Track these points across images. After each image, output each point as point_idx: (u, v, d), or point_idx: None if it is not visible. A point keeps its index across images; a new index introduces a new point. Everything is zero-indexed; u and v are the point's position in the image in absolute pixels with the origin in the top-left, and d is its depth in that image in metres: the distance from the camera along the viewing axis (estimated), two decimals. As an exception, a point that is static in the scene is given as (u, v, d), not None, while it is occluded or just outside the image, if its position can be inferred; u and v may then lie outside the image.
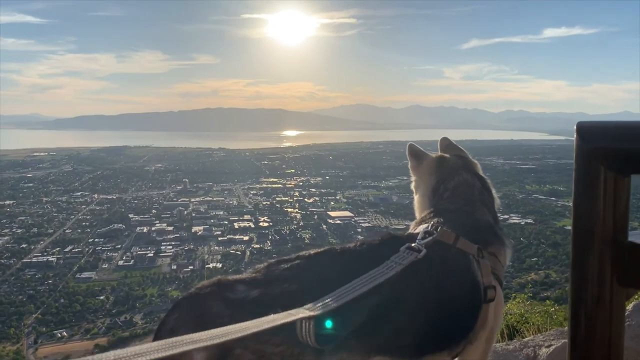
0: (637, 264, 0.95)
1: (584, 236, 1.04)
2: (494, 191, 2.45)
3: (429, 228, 1.84)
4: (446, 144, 2.61)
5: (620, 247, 0.96)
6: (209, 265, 50.32)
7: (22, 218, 63.92)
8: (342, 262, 1.64)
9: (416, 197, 2.46)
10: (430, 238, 1.75)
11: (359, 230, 59.96)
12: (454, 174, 2.31)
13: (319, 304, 1.28)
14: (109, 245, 56.06)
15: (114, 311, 41.34)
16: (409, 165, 2.55)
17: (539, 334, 3.89)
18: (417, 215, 2.33)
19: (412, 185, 2.54)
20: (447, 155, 2.47)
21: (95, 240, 57.49)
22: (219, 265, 50.31)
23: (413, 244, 1.68)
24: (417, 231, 1.89)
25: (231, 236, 58.96)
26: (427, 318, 1.61)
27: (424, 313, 1.61)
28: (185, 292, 1.55)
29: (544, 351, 3.37)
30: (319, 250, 1.72)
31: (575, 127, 1.11)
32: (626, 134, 1.00)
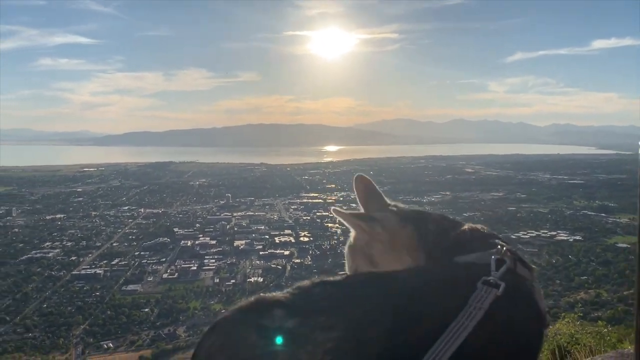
0: None
1: None
2: None
3: (500, 254, 1.58)
4: (362, 187, 2.10)
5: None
6: (250, 279, 50.64)
7: (72, 231, 66.14)
8: (394, 295, 1.40)
9: (382, 266, 1.87)
10: (505, 266, 1.51)
11: (400, 245, 59.28)
12: (423, 212, 1.94)
13: None
14: (154, 258, 57.18)
15: (158, 323, 41.97)
16: (373, 232, 1.93)
17: (597, 356, 3.71)
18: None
19: (368, 254, 1.95)
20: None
21: (141, 253, 58.76)
22: (260, 279, 50.58)
23: (490, 278, 1.43)
24: (468, 260, 1.63)
25: (272, 250, 59.26)
26: (500, 355, 1.39)
27: (498, 351, 1.40)
28: (225, 310, 1.44)
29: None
30: (369, 275, 1.53)
31: None
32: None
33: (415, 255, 1.78)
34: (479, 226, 1.85)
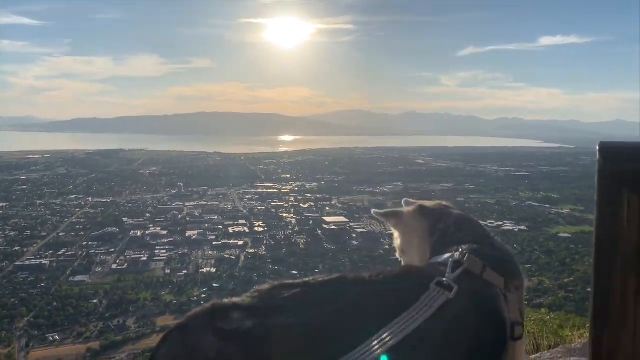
0: None
1: (606, 258, 1.02)
2: None
3: (457, 256, 1.62)
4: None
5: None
6: (202, 270, 50.15)
7: (16, 220, 63.57)
8: (353, 295, 1.41)
9: (408, 255, 2.09)
10: (461, 269, 1.55)
11: (354, 235, 59.99)
12: (447, 212, 2.06)
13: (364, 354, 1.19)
14: (102, 248, 55.77)
15: (107, 315, 41.04)
16: (391, 224, 2.16)
17: (545, 352, 3.89)
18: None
19: (398, 246, 2.16)
20: (425, 203, 2.17)
21: (89, 243, 57.17)
22: (213, 270, 50.17)
23: (443, 279, 1.47)
24: (438, 260, 1.70)
25: (226, 241, 58.81)
26: (440, 355, 1.42)
27: (448, 356, 1.43)
28: (177, 321, 1.31)
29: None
30: (330, 277, 1.50)
31: (597, 148, 1.04)
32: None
33: (424, 248, 1.95)
34: (486, 230, 2.01)
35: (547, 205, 72.85)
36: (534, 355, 3.83)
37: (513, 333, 1.60)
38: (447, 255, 1.69)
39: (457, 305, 1.44)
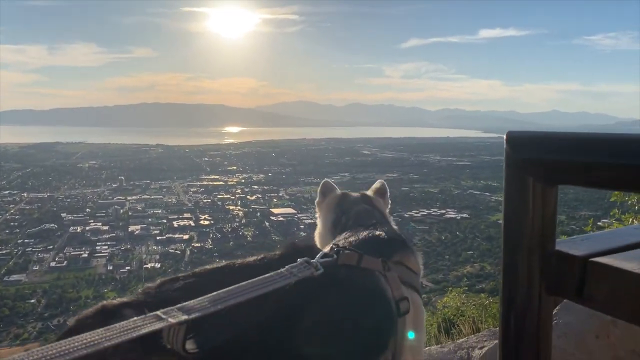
0: (564, 272, 0.99)
1: (513, 245, 1.08)
2: (392, 221, 2.51)
3: (328, 251, 1.68)
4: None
5: (548, 255, 1.01)
6: (147, 266, 49.05)
7: (-57, 219, 60.10)
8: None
9: (317, 231, 2.55)
10: (329, 259, 1.59)
11: (302, 227, 60.16)
12: (353, 206, 2.40)
13: (194, 306, 1.12)
14: (40, 246, 53.59)
15: (46, 315, 39.49)
16: (316, 201, 2.70)
17: (472, 335, 3.98)
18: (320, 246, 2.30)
19: (317, 220, 2.63)
20: (349, 192, 2.62)
21: (25, 241, 54.83)
22: (158, 265, 49.16)
23: (312, 260, 1.50)
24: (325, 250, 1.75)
25: (170, 235, 57.69)
26: (326, 340, 1.45)
27: (323, 335, 1.45)
28: (65, 326, 1.37)
29: (477, 352, 3.41)
30: (216, 265, 1.57)
31: (504, 137, 1.09)
32: (554, 144, 1.01)
33: (327, 237, 2.28)
34: (382, 219, 2.30)
35: (487, 193, 75.34)
36: (460, 340, 3.92)
37: (399, 309, 1.68)
38: (326, 249, 1.75)
39: (330, 288, 1.50)
